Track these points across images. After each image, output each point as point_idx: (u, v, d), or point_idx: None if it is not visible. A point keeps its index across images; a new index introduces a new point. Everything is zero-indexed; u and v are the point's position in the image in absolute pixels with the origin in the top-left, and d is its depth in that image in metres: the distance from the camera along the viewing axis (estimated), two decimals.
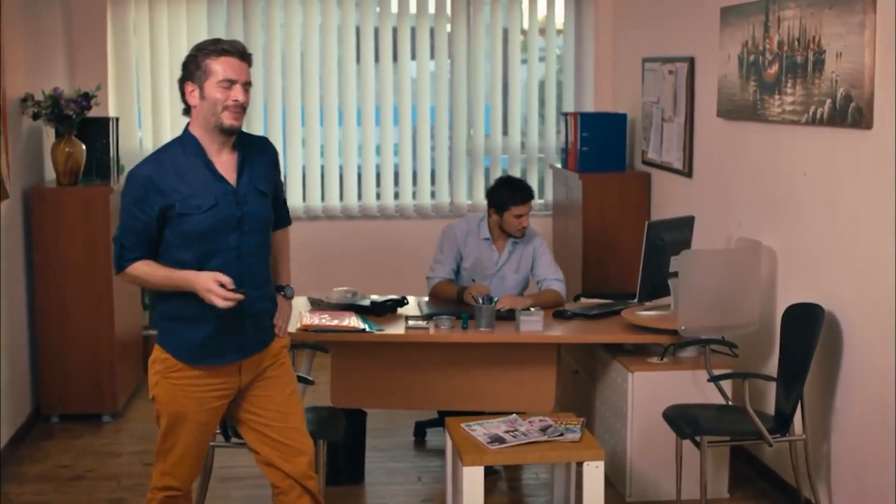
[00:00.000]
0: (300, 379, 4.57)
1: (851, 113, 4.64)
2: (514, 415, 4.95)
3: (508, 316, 5.51)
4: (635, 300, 5.95)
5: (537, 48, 8.35)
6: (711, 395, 5.17)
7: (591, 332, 5.49)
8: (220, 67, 3.77)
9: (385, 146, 8.23)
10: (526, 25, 8.34)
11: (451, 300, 5.82)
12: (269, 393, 4.03)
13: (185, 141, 3.88)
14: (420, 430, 6.27)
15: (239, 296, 3.72)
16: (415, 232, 8.20)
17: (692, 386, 5.28)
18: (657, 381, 5.29)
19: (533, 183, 8.36)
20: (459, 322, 5.41)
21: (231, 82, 3.78)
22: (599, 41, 8.32)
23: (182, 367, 3.92)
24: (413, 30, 8.22)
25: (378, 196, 8.29)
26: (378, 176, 8.28)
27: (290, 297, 4.20)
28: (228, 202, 3.84)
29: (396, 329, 5.40)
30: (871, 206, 4.59)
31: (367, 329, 5.30)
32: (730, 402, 5.13)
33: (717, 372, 5.15)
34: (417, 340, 5.34)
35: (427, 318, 5.50)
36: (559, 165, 8.07)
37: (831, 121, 4.83)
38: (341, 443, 5.19)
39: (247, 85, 3.83)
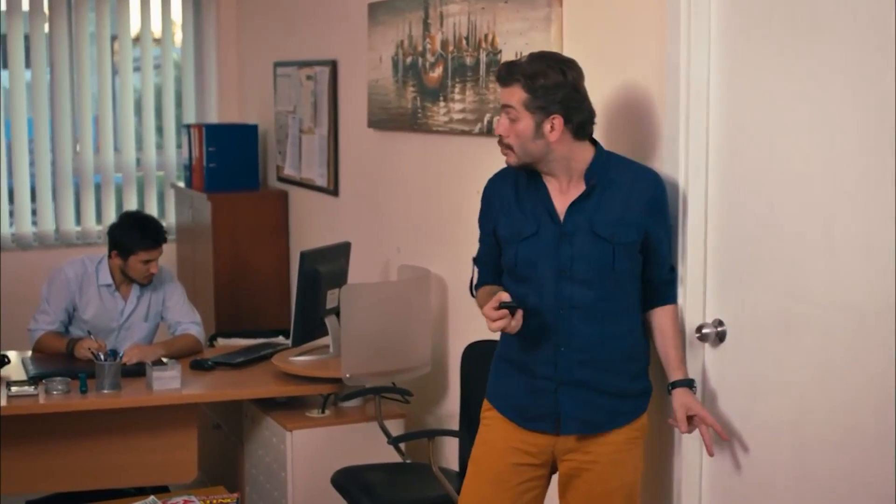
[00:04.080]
0: None
1: None
2: (151, 498, 4.02)
3: (137, 371, 4.56)
4: (283, 338, 5.22)
5: (151, 55, 7.38)
6: (385, 450, 4.44)
7: (237, 386, 4.65)
8: None
9: None
10: (137, 31, 7.34)
11: (61, 355, 4.80)
12: None
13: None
14: None
15: None
16: (14, 268, 6.98)
17: (362, 441, 4.55)
18: (321, 438, 4.54)
19: (151, 204, 7.37)
20: (77, 384, 4.40)
21: None
22: (222, 45, 7.46)
23: None
24: (4, 37, 7.05)
25: None
26: None
27: None
28: None
29: None
30: None
31: None
32: (408, 461, 4.41)
33: (389, 423, 4.44)
34: (24, 412, 4.29)
35: (34, 380, 4.46)
36: (182, 184, 7.13)
37: None
38: None
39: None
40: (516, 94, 3.14)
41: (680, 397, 3.22)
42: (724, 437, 3.20)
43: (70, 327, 5.03)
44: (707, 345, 3.35)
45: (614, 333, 3.26)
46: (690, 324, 3.35)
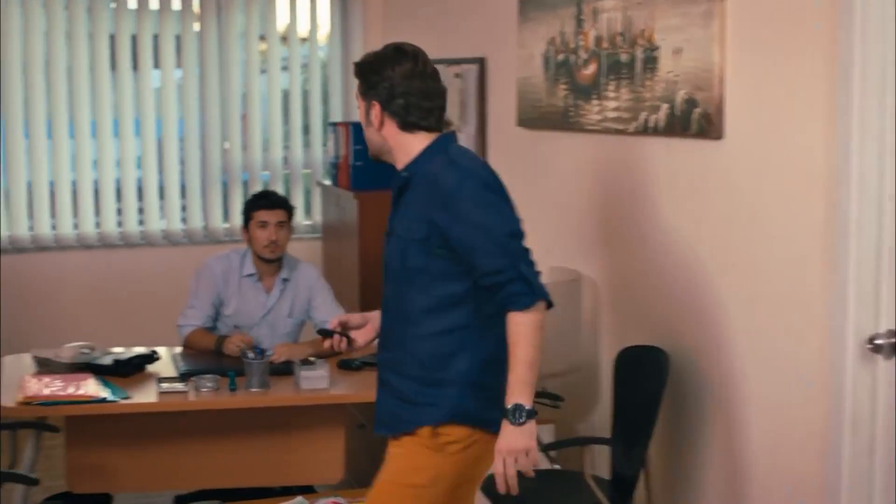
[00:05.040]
0: (15, 478, 3.53)
1: (697, 120, 3.89)
2: (299, 498, 4.01)
3: (285, 370, 4.54)
4: None
5: (299, 54, 7.41)
6: None
7: None
8: None
9: (126, 162, 7.10)
10: (285, 31, 7.38)
11: (210, 352, 4.81)
12: None
13: None
14: None
15: None
16: (164, 263, 7.08)
17: None
18: None
19: (298, 202, 7.41)
20: (226, 381, 4.40)
21: None
22: (368, 44, 7.43)
23: None
24: (156, 37, 7.15)
25: (119, 223, 7.15)
26: (119, 196, 7.13)
27: None
28: None
29: (146, 395, 4.33)
30: (720, 230, 3.86)
31: (109, 398, 4.21)
32: (556, 466, 4.31)
33: (538, 428, 4.32)
34: (174, 409, 4.30)
35: (184, 377, 4.47)
36: (329, 182, 7.13)
37: (669, 129, 4.07)
38: None
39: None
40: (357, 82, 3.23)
41: (499, 438, 3.08)
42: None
43: (217, 323, 5.04)
44: (880, 356, 3.18)
45: (412, 336, 3.19)
46: (861, 334, 3.19)
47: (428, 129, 3.21)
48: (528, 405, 3.04)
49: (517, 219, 3.18)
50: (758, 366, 3.70)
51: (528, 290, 3.05)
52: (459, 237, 3.08)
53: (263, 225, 4.97)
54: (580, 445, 4.09)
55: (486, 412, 3.14)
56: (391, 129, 3.20)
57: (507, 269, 3.05)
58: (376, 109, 3.18)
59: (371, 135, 3.26)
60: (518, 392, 3.04)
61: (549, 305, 3.12)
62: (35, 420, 4.25)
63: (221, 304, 5.02)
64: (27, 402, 4.10)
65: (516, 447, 3.05)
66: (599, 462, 4.39)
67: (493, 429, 3.09)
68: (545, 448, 4.15)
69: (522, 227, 3.17)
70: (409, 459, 3.21)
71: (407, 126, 3.19)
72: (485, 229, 3.08)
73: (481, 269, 3.08)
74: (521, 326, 3.04)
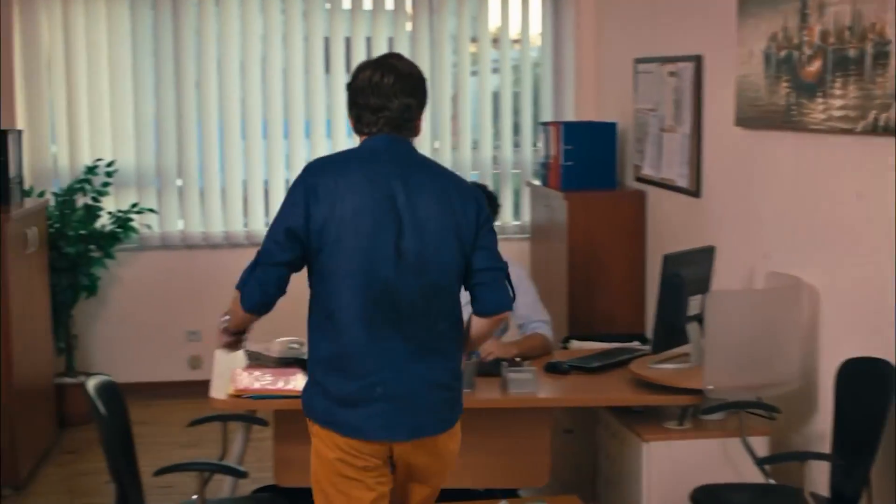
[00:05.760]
0: (225, 470, 3.57)
1: None
2: (503, 501, 3.94)
3: (491, 371, 4.47)
4: (639, 344, 5.02)
5: (510, 55, 7.37)
6: (746, 469, 4.17)
7: (593, 391, 4.46)
8: None
9: None
10: (496, 32, 7.35)
11: None
12: None
13: None
14: None
15: None
16: None
17: (722, 457, 4.28)
18: (678, 452, 4.30)
19: (507, 202, 7.36)
20: None
21: None
22: (580, 43, 7.35)
23: None
24: (368, 39, 7.22)
25: None
26: None
27: None
28: None
29: None
30: None
31: None
32: (771, 481, 4.11)
33: (752, 440, 4.16)
34: None
35: None
36: (538, 182, 7.06)
37: None
38: None
39: None
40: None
41: None
42: None
43: None
44: None
45: None
46: None
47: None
48: None
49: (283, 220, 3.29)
50: None
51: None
52: None
53: None
54: (799, 461, 3.88)
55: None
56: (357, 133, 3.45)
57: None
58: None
59: None
60: None
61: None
62: (245, 413, 4.30)
63: None
64: (238, 395, 4.15)
65: None
66: (816, 477, 4.18)
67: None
68: (761, 462, 3.98)
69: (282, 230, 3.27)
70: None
71: (357, 130, 3.42)
72: None
73: None
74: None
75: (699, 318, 4.45)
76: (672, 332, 4.52)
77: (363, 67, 3.38)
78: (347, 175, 3.26)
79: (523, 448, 4.46)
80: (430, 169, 3.41)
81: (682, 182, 5.82)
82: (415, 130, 3.42)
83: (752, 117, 4.95)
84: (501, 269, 3.41)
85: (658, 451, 4.28)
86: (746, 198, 5.11)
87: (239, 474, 3.90)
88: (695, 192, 5.68)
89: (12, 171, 5.79)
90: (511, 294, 3.43)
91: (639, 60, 6.41)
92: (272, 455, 4.41)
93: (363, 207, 3.22)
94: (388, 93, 3.33)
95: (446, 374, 3.37)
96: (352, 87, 3.38)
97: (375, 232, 3.22)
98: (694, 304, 4.49)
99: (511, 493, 4.58)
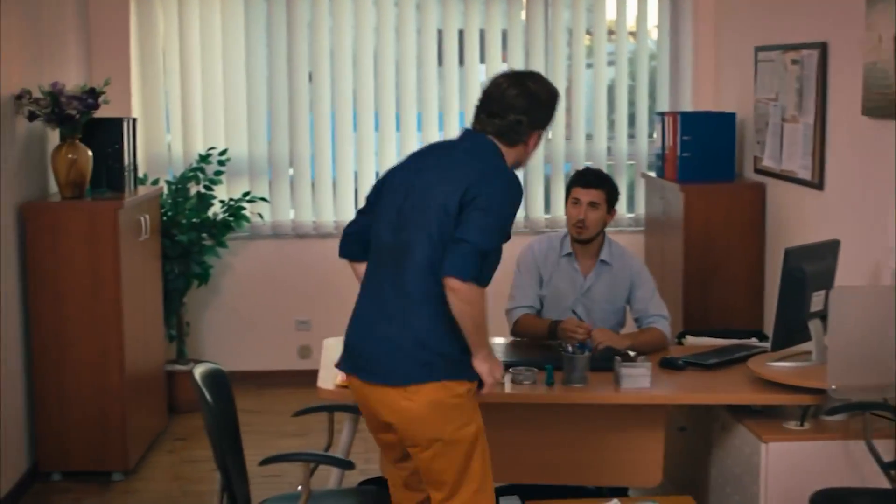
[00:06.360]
0: (331, 461, 3.52)
1: None
2: (614, 501, 3.82)
3: (604, 366, 4.34)
4: (756, 340, 4.86)
5: (626, 47, 7.22)
6: (870, 473, 3.99)
7: (710, 389, 4.31)
8: None
9: None
10: (612, 24, 7.21)
11: (540, 338, 4.68)
12: None
13: None
14: None
15: None
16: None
17: (844, 460, 4.10)
18: (798, 453, 4.12)
19: (621, 194, 7.16)
20: (543, 375, 4.25)
21: None
22: (698, 32, 7.17)
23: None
24: (482, 31, 7.14)
25: None
26: None
27: None
28: None
29: None
30: None
31: None
32: None
33: (877, 443, 3.97)
34: (488, 401, 4.19)
35: (504, 368, 4.35)
36: (653, 174, 6.90)
37: None
38: None
39: None
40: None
41: None
42: None
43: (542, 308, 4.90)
44: None
45: None
46: None
47: None
48: None
49: None
50: None
51: None
52: None
53: (576, 202, 4.79)
54: None
55: None
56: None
57: None
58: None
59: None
60: None
61: None
62: (352, 404, 4.24)
63: (541, 284, 4.87)
64: (345, 386, 4.09)
65: None
66: None
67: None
68: (886, 466, 3.79)
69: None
70: None
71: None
72: None
73: None
74: None
75: (822, 315, 4.28)
76: (793, 328, 4.35)
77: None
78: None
79: (635, 446, 4.33)
80: (458, 147, 3.66)
81: (805, 174, 5.62)
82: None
83: (882, 106, 4.74)
84: (472, 242, 3.40)
85: (778, 452, 4.12)
86: (873, 190, 4.90)
87: (345, 465, 3.84)
88: (818, 184, 5.48)
89: (127, 160, 5.84)
90: (471, 269, 3.41)
91: (759, 48, 6.22)
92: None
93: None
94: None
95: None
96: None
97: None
98: (817, 301, 4.31)
99: (621, 492, 4.46)
